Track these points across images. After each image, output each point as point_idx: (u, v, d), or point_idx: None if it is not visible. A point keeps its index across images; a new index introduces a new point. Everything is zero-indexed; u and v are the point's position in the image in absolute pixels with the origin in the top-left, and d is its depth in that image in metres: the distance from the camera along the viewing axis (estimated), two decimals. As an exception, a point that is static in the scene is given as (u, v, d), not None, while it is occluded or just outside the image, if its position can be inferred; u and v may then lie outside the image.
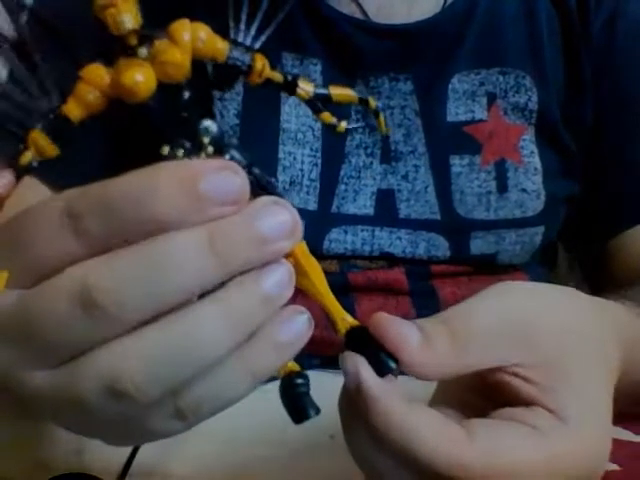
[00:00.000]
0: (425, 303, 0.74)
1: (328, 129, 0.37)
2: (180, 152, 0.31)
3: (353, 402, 0.34)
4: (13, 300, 0.29)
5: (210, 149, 0.31)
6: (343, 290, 0.73)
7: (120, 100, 0.30)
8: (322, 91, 0.35)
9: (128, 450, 0.45)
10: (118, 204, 0.28)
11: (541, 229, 0.75)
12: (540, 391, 0.36)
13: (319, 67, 0.72)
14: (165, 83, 0.30)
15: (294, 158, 0.71)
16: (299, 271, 0.33)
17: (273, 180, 0.33)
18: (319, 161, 0.72)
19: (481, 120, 0.73)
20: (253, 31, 0.33)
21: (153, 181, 0.28)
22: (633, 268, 0.77)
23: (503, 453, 0.34)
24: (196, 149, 0.31)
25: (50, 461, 0.48)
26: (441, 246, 0.73)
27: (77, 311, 0.28)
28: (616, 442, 0.50)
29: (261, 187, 0.32)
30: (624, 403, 0.45)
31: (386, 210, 0.73)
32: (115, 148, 0.69)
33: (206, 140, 0.31)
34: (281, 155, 0.71)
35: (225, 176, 0.28)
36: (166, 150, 0.31)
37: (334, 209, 0.72)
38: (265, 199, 0.30)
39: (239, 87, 0.72)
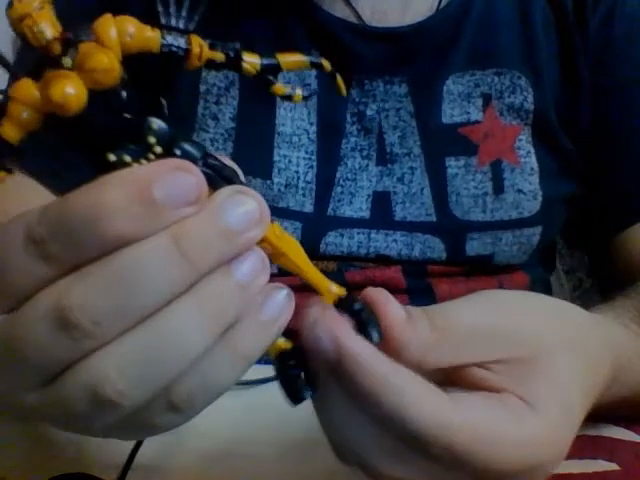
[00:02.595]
0: (422, 300, 0.73)
1: (284, 100, 0.35)
2: (127, 157, 0.29)
3: (328, 371, 0.34)
4: None
5: (158, 149, 0.30)
6: None
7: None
8: (270, 61, 0.33)
9: (128, 450, 0.45)
10: (75, 226, 0.27)
11: (538, 229, 0.76)
12: (509, 381, 0.36)
13: (314, 71, 0.72)
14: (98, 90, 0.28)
15: (289, 161, 0.71)
16: (276, 253, 0.32)
17: (234, 168, 0.32)
18: (314, 163, 0.72)
19: (476, 121, 0.73)
20: (184, 12, 0.31)
21: (104, 197, 0.27)
22: (635, 266, 0.77)
23: (487, 424, 0.34)
24: (144, 151, 0.29)
25: (50, 461, 0.47)
26: (437, 248, 0.74)
27: (56, 333, 0.28)
28: (617, 442, 0.50)
29: (222, 177, 0.30)
30: (620, 408, 0.46)
31: (382, 212, 0.73)
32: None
33: (152, 140, 0.29)
34: (276, 158, 0.71)
35: (178, 177, 0.28)
36: (112, 157, 0.29)
37: (330, 212, 0.73)
38: (226, 190, 0.29)
39: (235, 91, 0.72)
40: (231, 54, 0.32)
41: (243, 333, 0.30)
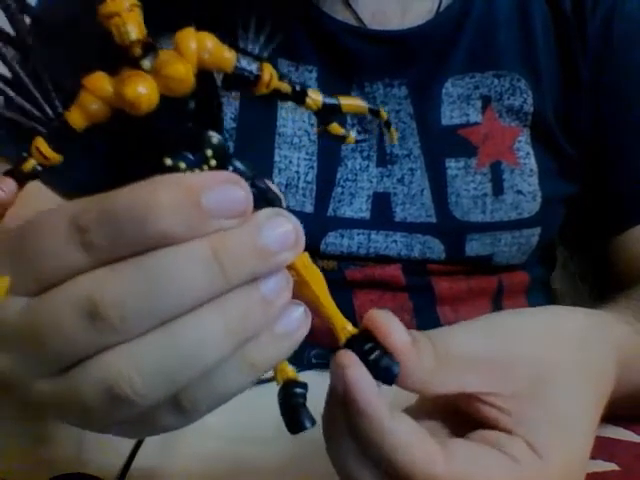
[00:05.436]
0: (421, 296, 0.75)
1: (337, 140, 0.36)
2: (182, 164, 0.30)
3: (338, 405, 0.35)
4: (20, 308, 0.30)
5: (213, 162, 0.31)
6: (341, 285, 0.74)
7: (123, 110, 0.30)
8: (332, 101, 0.34)
9: (128, 450, 0.45)
10: (122, 219, 0.28)
11: (537, 230, 0.76)
12: (516, 422, 0.37)
13: (314, 74, 0.73)
14: (169, 96, 0.30)
15: (290, 161, 0.72)
16: (301, 282, 0.33)
17: (277, 193, 0.33)
18: (315, 164, 0.72)
19: (476, 123, 0.73)
20: (262, 39, 0.32)
21: (156, 196, 0.27)
22: (635, 267, 0.77)
23: (476, 476, 0.35)
24: (199, 161, 0.31)
25: (50, 461, 0.47)
26: (436, 248, 0.74)
27: (82, 322, 0.28)
28: (616, 442, 0.50)
29: (264, 200, 0.31)
30: (621, 405, 0.46)
31: (382, 213, 0.73)
32: (114, 150, 0.69)
33: (209, 153, 0.31)
34: (277, 158, 0.72)
35: (228, 189, 0.28)
36: (169, 161, 0.30)
37: (330, 212, 0.73)
38: (268, 211, 0.30)
39: (236, 92, 0.72)
40: (297, 88, 0.33)
41: (258, 344, 0.30)
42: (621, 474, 0.47)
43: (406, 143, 0.73)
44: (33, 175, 0.31)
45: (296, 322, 0.31)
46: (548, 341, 0.40)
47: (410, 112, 0.73)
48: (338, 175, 0.73)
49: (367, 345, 0.35)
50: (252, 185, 0.31)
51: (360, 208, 0.73)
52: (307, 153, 0.72)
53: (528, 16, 0.74)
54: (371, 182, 0.73)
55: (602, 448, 0.47)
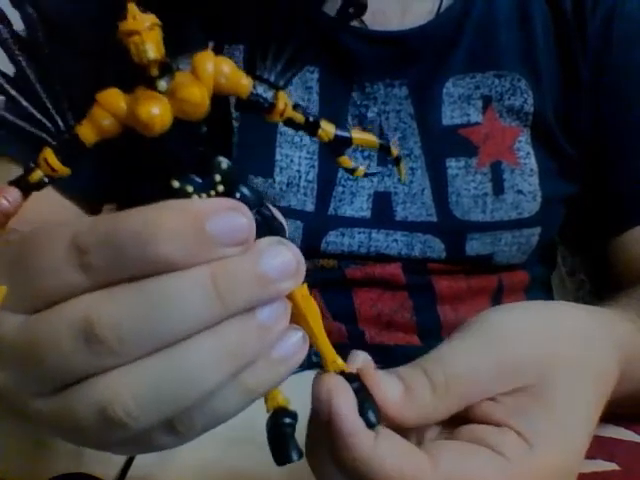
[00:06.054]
0: (421, 295, 0.75)
1: (347, 172, 0.36)
2: (189, 188, 0.31)
3: (321, 425, 0.35)
4: (18, 325, 0.30)
5: (220, 187, 0.31)
6: (341, 284, 0.74)
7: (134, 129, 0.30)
8: (344, 134, 0.34)
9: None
10: (124, 242, 0.28)
11: (537, 230, 0.76)
12: (511, 413, 0.37)
13: (316, 75, 0.73)
14: (182, 119, 0.30)
15: (291, 160, 0.72)
16: (297, 313, 0.33)
17: (282, 222, 0.33)
18: (316, 163, 0.72)
19: (477, 123, 0.73)
20: (279, 67, 0.32)
21: (160, 220, 0.28)
22: (635, 268, 0.77)
23: (467, 472, 0.35)
24: (206, 186, 0.31)
25: (50, 461, 0.47)
26: (437, 247, 0.74)
27: (78, 343, 0.28)
28: (617, 442, 0.50)
29: (268, 228, 0.32)
30: (624, 403, 0.46)
31: (382, 212, 0.73)
32: (120, 159, 0.69)
33: (218, 178, 0.31)
34: (278, 157, 0.72)
35: (232, 217, 0.29)
36: (176, 184, 0.31)
37: (331, 211, 0.73)
38: (270, 239, 0.30)
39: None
40: (311, 119, 0.33)
41: (254, 369, 0.30)
42: (621, 474, 0.47)
43: (407, 143, 0.73)
44: (39, 186, 0.31)
45: (292, 347, 0.31)
46: (548, 338, 0.40)
47: (411, 112, 0.73)
48: (339, 174, 0.73)
49: (354, 384, 0.35)
50: (257, 213, 0.31)
51: (361, 207, 0.73)
52: (308, 152, 0.72)
53: (528, 16, 0.74)
54: (372, 181, 0.73)
55: (603, 448, 0.48)
